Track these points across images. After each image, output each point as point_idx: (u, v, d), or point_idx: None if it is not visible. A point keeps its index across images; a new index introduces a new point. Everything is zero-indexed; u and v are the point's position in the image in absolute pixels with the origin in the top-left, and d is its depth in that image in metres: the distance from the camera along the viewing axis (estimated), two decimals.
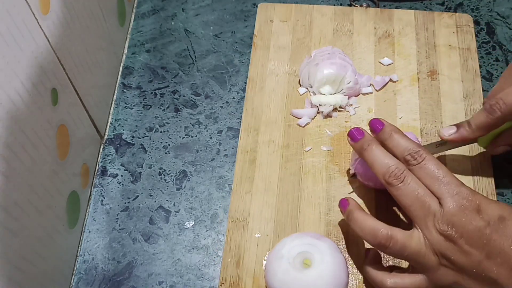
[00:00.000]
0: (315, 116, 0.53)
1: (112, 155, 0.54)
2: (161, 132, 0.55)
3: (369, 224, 0.41)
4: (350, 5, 0.61)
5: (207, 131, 0.55)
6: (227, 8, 0.63)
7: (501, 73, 0.57)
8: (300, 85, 0.55)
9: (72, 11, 0.46)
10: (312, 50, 0.57)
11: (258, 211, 0.48)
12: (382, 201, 0.48)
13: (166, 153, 0.54)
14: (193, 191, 0.51)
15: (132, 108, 0.56)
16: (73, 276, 0.48)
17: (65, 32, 0.44)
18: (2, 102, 0.35)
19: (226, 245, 0.47)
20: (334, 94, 0.53)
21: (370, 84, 0.55)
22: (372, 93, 0.55)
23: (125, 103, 0.57)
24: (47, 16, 0.41)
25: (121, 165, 0.53)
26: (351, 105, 0.54)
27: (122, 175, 0.52)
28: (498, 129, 0.47)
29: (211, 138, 0.54)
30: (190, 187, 0.52)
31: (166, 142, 0.54)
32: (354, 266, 0.46)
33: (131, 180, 0.52)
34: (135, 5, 0.63)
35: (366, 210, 0.46)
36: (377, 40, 0.58)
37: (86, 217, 0.51)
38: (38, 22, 0.40)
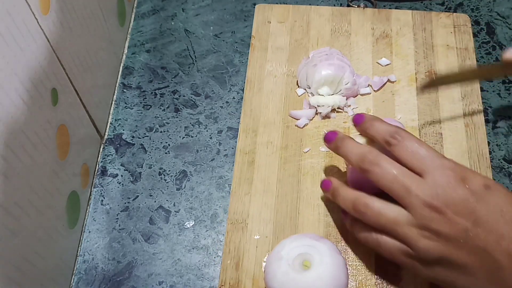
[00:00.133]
0: (313, 117, 0.54)
1: (112, 155, 0.54)
2: (161, 132, 0.55)
3: (350, 194, 0.43)
4: (348, 5, 0.61)
5: (207, 131, 0.55)
6: (227, 8, 0.63)
7: None
8: (298, 86, 0.55)
9: (72, 11, 0.46)
10: (310, 51, 0.57)
11: (257, 212, 0.49)
12: None
13: (166, 153, 0.54)
14: (193, 191, 0.52)
15: (132, 108, 0.56)
16: (73, 276, 0.48)
17: (65, 32, 0.44)
18: (2, 102, 0.35)
19: (225, 247, 0.47)
20: (332, 95, 0.54)
21: (368, 85, 0.55)
22: (370, 93, 0.55)
23: (125, 103, 0.57)
24: (47, 16, 0.41)
25: (121, 165, 0.53)
26: (350, 106, 0.54)
27: (122, 175, 0.53)
28: None
29: (211, 138, 0.54)
30: (190, 187, 0.52)
31: (166, 142, 0.54)
32: (354, 267, 0.46)
33: (131, 180, 0.52)
34: (135, 5, 0.63)
35: None
36: (375, 41, 0.58)
37: (86, 217, 0.51)
38: (38, 22, 0.40)
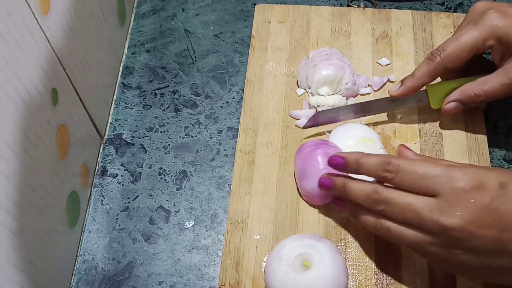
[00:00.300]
0: None
1: (112, 155, 0.54)
2: (161, 132, 0.55)
3: (365, 187, 0.41)
4: (348, 5, 0.61)
5: (207, 131, 0.55)
6: (227, 8, 0.63)
7: None
8: (298, 86, 0.55)
9: (72, 11, 0.46)
10: (310, 51, 0.57)
11: (257, 212, 0.49)
12: None
13: (166, 153, 0.54)
14: (193, 191, 0.52)
15: (132, 108, 0.56)
16: (73, 276, 0.48)
17: (65, 32, 0.44)
18: (2, 102, 0.35)
19: (225, 247, 0.47)
20: (332, 95, 0.54)
21: (368, 85, 0.55)
22: (370, 93, 0.55)
23: (125, 103, 0.57)
24: (47, 16, 0.41)
25: (121, 165, 0.53)
26: None
27: (122, 175, 0.53)
28: (449, 88, 0.49)
29: (211, 138, 0.54)
30: (190, 187, 0.52)
31: (166, 142, 0.54)
32: (354, 267, 0.46)
33: (131, 180, 0.52)
34: (135, 5, 0.63)
35: None
36: (375, 41, 0.58)
37: (86, 217, 0.51)
38: (38, 22, 0.40)
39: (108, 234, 0.50)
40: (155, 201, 0.51)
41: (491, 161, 0.51)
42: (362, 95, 0.55)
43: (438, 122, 0.53)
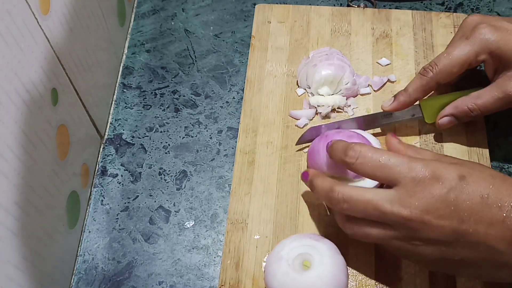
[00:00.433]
0: (313, 117, 0.54)
1: (112, 155, 0.54)
2: (161, 132, 0.55)
3: (325, 183, 0.41)
4: (348, 5, 0.61)
5: (207, 131, 0.55)
6: (227, 8, 0.63)
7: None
8: (298, 86, 0.55)
9: (72, 11, 0.46)
10: (310, 51, 0.57)
11: (257, 212, 0.49)
12: None
13: (166, 153, 0.54)
14: (193, 191, 0.52)
15: (132, 108, 0.56)
16: (73, 276, 0.48)
17: (65, 32, 0.44)
18: (2, 102, 0.35)
19: (225, 247, 0.47)
20: (332, 95, 0.54)
21: (368, 85, 0.55)
22: (370, 93, 0.55)
23: (125, 103, 0.57)
24: (47, 16, 0.41)
25: (121, 165, 0.53)
26: (349, 106, 0.54)
27: (122, 175, 0.53)
28: (443, 102, 0.49)
29: (211, 138, 0.54)
30: (190, 187, 0.52)
31: (166, 142, 0.54)
32: (354, 267, 0.46)
33: (131, 180, 0.52)
34: (135, 5, 0.63)
35: None
36: (375, 41, 0.58)
37: (86, 217, 0.51)
38: (38, 22, 0.40)
39: (108, 234, 0.50)
40: (155, 201, 0.51)
41: (491, 161, 0.51)
42: (362, 95, 0.55)
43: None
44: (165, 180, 0.52)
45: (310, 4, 0.61)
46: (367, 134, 0.48)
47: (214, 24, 0.62)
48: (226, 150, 0.54)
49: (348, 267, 0.45)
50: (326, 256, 0.42)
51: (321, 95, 0.53)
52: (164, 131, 0.55)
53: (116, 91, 0.58)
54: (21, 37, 0.37)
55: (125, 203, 0.51)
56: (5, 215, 0.35)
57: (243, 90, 0.56)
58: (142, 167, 0.53)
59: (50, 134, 0.42)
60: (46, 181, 0.42)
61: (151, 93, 0.57)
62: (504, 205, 0.36)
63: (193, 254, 0.48)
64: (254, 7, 0.60)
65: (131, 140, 0.55)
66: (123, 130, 0.55)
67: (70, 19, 0.45)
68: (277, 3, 0.62)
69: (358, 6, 0.61)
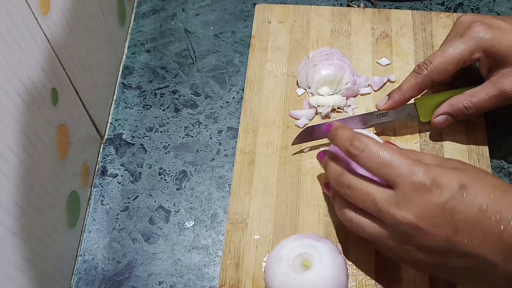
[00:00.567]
0: (313, 117, 0.54)
1: (112, 155, 0.54)
2: (161, 132, 0.55)
3: (336, 168, 0.42)
4: (348, 5, 0.61)
5: (207, 131, 0.55)
6: (227, 8, 0.63)
7: None
8: (298, 86, 0.55)
9: (72, 11, 0.46)
10: (310, 51, 0.57)
11: (257, 212, 0.49)
12: None
13: (166, 153, 0.54)
14: (193, 191, 0.52)
15: (132, 108, 0.56)
16: (73, 276, 0.48)
17: (65, 32, 0.44)
18: (2, 102, 0.35)
19: (225, 247, 0.47)
20: (332, 95, 0.54)
21: (368, 85, 0.55)
22: (370, 93, 0.55)
23: (125, 103, 0.57)
24: (47, 16, 0.41)
25: (121, 165, 0.53)
26: (349, 105, 0.54)
27: (122, 175, 0.53)
28: (438, 100, 0.49)
29: (211, 138, 0.54)
30: (190, 187, 0.52)
31: (166, 142, 0.54)
32: (354, 267, 0.46)
33: (131, 180, 0.52)
34: (135, 5, 0.63)
35: None
36: (375, 41, 0.58)
37: (86, 217, 0.51)
38: (38, 22, 0.40)
39: (108, 234, 0.50)
40: (155, 201, 0.51)
41: (491, 161, 0.51)
42: (362, 95, 0.55)
43: None
44: (165, 180, 0.52)
45: (310, 4, 0.61)
46: (372, 134, 0.48)
47: (214, 24, 0.62)
48: (226, 150, 0.54)
49: (348, 267, 0.45)
50: (326, 256, 0.42)
51: (321, 95, 0.53)
52: (164, 131, 0.55)
53: (116, 91, 0.58)
54: (21, 37, 0.37)
55: (125, 203, 0.51)
56: (5, 215, 0.35)
57: (243, 90, 0.56)
58: (142, 167, 0.53)
59: (50, 134, 0.42)
60: (46, 181, 0.42)
61: (151, 93, 0.57)
62: (502, 217, 0.36)
63: (193, 254, 0.48)
64: (254, 7, 0.60)
65: (131, 140, 0.55)
66: (123, 130, 0.55)
67: (70, 19, 0.45)
68: (277, 3, 0.62)
69: (358, 6, 0.61)
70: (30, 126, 0.39)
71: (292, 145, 0.51)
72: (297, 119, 0.53)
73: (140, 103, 0.57)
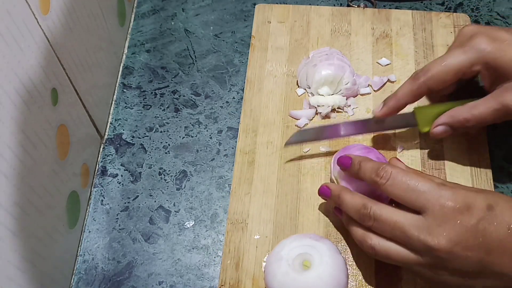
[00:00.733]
0: (313, 117, 0.54)
1: (112, 155, 0.54)
2: (161, 132, 0.55)
3: (356, 200, 0.42)
4: (348, 5, 0.61)
5: (207, 131, 0.55)
6: (227, 8, 0.63)
7: None
8: (298, 86, 0.55)
9: (72, 11, 0.46)
10: (310, 51, 0.57)
11: (257, 212, 0.49)
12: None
13: (166, 153, 0.54)
14: (193, 191, 0.52)
15: (132, 108, 0.56)
16: (73, 276, 0.48)
17: (65, 32, 0.44)
18: (2, 102, 0.35)
19: (225, 247, 0.47)
20: (332, 95, 0.54)
21: (368, 85, 0.55)
22: (370, 93, 0.55)
23: (125, 103, 0.57)
24: (47, 16, 0.41)
25: (121, 165, 0.53)
26: (350, 106, 0.54)
27: (122, 175, 0.53)
28: (438, 111, 0.48)
29: (211, 138, 0.54)
30: (190, 187, 0.52)
31: (166, 142, 0.54)
32: (354, 267, 0.46)
33: (131, 180, 0.52)
34: (135, 5, 0.63)
35: None
36: (375, 41, 0.58)
37: (86, 217, 0.51)
38: (38, 22, 0.40)
39: (108, 234, 0.50)
40: (155, 201, 0.51)
41: (491, 161, 0.51)
42: (362, 95, 0.55)
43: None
44: (165, 180, 0.52)
45: (310, 4, 0.61)
46: (377, 152, 0.47)
47: (214, 24, 0.62)
48: (226, 150, 0.54)
49: (348, 267, 0.45)
50: (326, 256, 0.42)
51: (321, 95, 0.53)
52: (164, 131, 0.55)
53: (116, 91, 0.58)
54: (21, 37, 0.37)
55: (125, 203, 0.51)
56: (5, 215, 0.35)
57: (243, 90, 0.56)
58: (142, 167, 0.53)
59: (50, 134, 0.42)
60: (46, 181, 0.42)
61: (151, 93, 0.57)
62: None
63: (193, 254, 0.48)
64: (254, 7, 0.60)
65: (131, 140, 0.55)
66: (123, 130, 0.55)
67: (70, 19, 0.45)
68: (277, 3, 0.62)
69: (358, 6, 0.61)
70: (30, 126, 0.39)
71: (284, 146, 0.51)
72: (297, 119, 0.53)
73: (140, 103, 0.57)
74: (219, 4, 0.63)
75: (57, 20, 0.43)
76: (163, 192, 0.52)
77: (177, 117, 0.56)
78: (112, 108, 0.56)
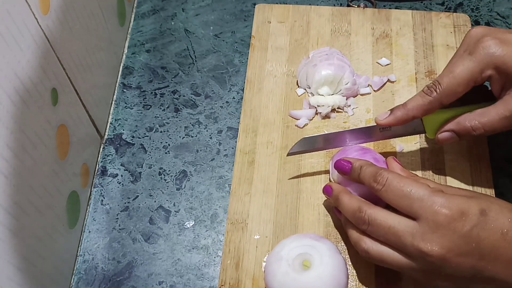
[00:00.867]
0: (313, 117, 0.54)
1: (112, 155, 0.54)
2: (161, 132, 0.55)
3: (352, 202, 0.42)
4: (348, 5, 0.61)
5: (207, 131, 0.55)
6: (227, 8, 0.63)
7: None
8: (298, 86, 0.55)
9: (72, 11, 0.46)
10: (310, 51, 0.57)
11: (257, 212, 0.49)
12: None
13: (166, 153, 0.54)
14: (193, 191, 0.52)
15: (132, 108, 0.56)
16: (73, 276, 0.48)
17: (65, 32, 0.44)
18: (2, 102, 0.35)
19: (225, 247, 0.47)
20: (332, 95, 0.54)
21: (368, 85, 0.55)
22: (370, 93, 0.55)
23: (125, 103, 0.57)
24: (47, 16, 0.41)
25: (121, 165, 0.53)
26: (349, 105, 0.54)
27: (122, 175, 0.53)
28: (446, 117, 0.46)
29: (211, 138, 0.54)
30: (190, 187, 0.52)
31: (166, 142, 0.54)
32: (354, 267, 0.46)
33: (131, 180, 0.52)
34: (135, 5, 0.63)
35: None
36: (375, 41, 0.58)
37: (86, 217, 0.51)
38: (38, 22, 0.40)
39: (108, 234, 0.50)
40: (155, 201, 0.51)
41: (491, 161, 0.51)
42: (362, 95, 0.55)
43: None
44: (165, 180, 0.52)
45: (310, 4, 0.61)
46: (379, 156, 0.47)
47: (214, 24, 0.62)
48: (226, 150, 0.54)
49: (348, 267, 0.45)
50: (326, 256, 0.42)
51: (321, 95, 0.53)
52: (164, 131, 0.55)
53: (116, 91, 0.58)
54: (21, 37, 0.37)
55: (125, 203, 0.51)
56: (5, 215, 0.35)
57: (243, 90, 0.56)
58: (142, 167, 0.53)
59: (50, 134, 0.42)
60: (46, 181, 0.42)
61: (151, 93, 0.57)
62: None
63: (193, 254, 0.48)
64: (254, 7, 0.60)
65: (131, 140, 0.55)
66: (123, 130, 0.55)
67: (70, 19, 0.45)
68: (277, 3, 0.62)
69: (358, 6, 0.61)
70: (30, 126, 0.39)
71: (287, 155, 0.50)
72: (297, 119, 0.53)
73: (140, 103, 0.57)
74: (219, 4, 0.63)
75: (57, 20, 0.43)
76: (163, 192, 0.52)
77: (177, 117, 0.56)
78: (112, 108, 0.56)
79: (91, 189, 0.52)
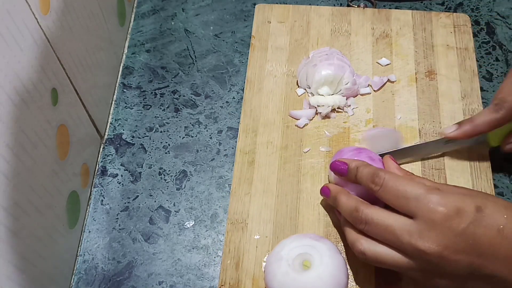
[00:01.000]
0: (313, 117, 0.54)
1: (112, 155, 0.54)
2: (161, 132, 0.55)
3: (350, 202, 0.42)
4: (348, 5, 0.61)
5: (207, 131, 0.55)
6: (227, 8, 0.63)
7: (501, 73, 0.57)
8: (298, 86, 0.56)
9: (72, 11, 0.46)
10: (310, 51, 0.57)
11: (257, 212, 0.49)
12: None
13: (166, 153, 0.54)
14: (193, 191, 0.52)
15: (132, 108, 0.56)
16: (73, 276, 0.48)
17: (65, 32, 0.44)
18: (2, 102, 0.35)
19: (225, 247, 0.47)
20: (332, 95, 0.54)
21: (368, 85, 0.55)
22: (370, 93, 0.55)
23: (125, 103, 0.57)
24: (47, 16, 0.41)
25: (121, 165, 0.53)
26: (349, 105, 0.54)
27: (122, 175, 0.53)
28: (510, 128, 0.47)
29: (211, 138, 0.54)
30: (190, 187, 0.52)
31: (166, 142, 0.54)
32: (354, 267, 0.46)
33: (131, 180, 0.52)
34: (135, 5, 0.63)
35: None
36: (375, 41, 0.58)
37: (86, 217, 0.51)
38: (38, 22, 0.40)
39: (108, 234, 0.50)
40: (155, 201, 0.51)
41: (491, 161, 0.51)
42: (362, 95, 0.55)
43: (438, 122, 0.53)
44: (165, 180, 0.52)
45: (310, 4, 0.61)
46: (375, 155, 0.47)
47: (214, 24, 0.62)
48: (226, 150, 0.54)
49: (348, 267, 0.45)
50: (326, 256, 0.42)
51: (321, 95, 0.53)
52: (164, 131, 0.55)
53: (116, 91, 0.58)
54: (21, 37, 0.37)
55: (125, 203, 0.51)
56: (5, 215, 0.35)
57: (243, 90, 0.56)
58: (142, 167, 0.53)
59: (50, 134, 0.42)
60: (46, 181, 0.42)
61: (151, 93, 0.57)
62: None
63: (193, 254, 0.48)
64: (254, 7, 0.60)
65: (131, 140, 0.55)
66: (123, 130, 0.55)
67: (70, 19, 0.45)
68: (277, 3, 0.62)
69: (358, 6, 0.61)
70: (30, 126, 0.39)
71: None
72: (297, 119, 0.53)
73: (140, 103, 0.57)
74: (219, 4, 0.63)
75: (57, 20, 0.43)
76: (163, 192, 0.52)
77: (177, 117, 0.56)
78: (112, 108, 0.56)
79: (91, 189, 0.52)
